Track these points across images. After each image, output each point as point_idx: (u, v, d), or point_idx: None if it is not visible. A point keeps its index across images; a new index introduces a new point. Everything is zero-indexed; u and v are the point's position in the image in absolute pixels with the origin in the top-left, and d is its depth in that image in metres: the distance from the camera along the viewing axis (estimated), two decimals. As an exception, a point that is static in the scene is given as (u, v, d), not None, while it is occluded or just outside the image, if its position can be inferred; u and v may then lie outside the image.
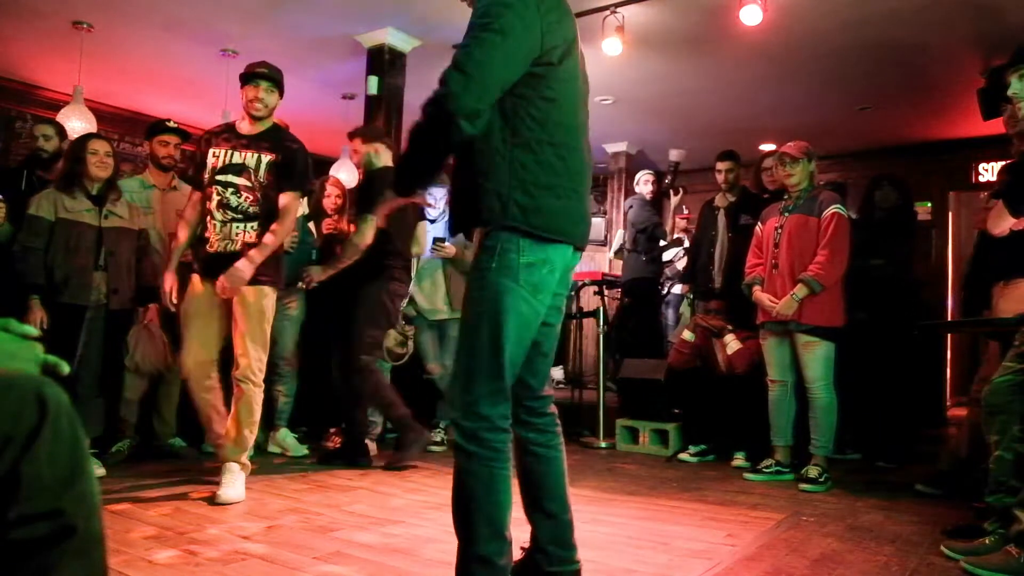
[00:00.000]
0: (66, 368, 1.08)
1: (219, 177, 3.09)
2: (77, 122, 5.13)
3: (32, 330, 1.09)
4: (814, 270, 3.55)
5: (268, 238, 3.08)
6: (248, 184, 3.10)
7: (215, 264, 3.07)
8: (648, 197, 6.19)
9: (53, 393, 0.95)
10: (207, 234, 3.12)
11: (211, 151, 3.13)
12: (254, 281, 3.06)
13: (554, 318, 1.84)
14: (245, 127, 3.19)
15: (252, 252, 3.04)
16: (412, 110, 5.60)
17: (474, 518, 1.62)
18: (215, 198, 3.09)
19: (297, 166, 3.18)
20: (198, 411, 3.20)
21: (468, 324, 1.68)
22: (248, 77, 3.16)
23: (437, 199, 4.54)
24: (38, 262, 3.35)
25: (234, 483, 2.98)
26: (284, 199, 3.15)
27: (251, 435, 3.12)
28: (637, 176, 6.39)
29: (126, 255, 3.60)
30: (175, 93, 6.61)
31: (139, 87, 6.52)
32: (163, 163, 4.04)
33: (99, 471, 3.32)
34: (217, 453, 3.15)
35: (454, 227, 1.81)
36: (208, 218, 3.11)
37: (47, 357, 1.09)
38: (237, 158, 3.11)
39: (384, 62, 5.26)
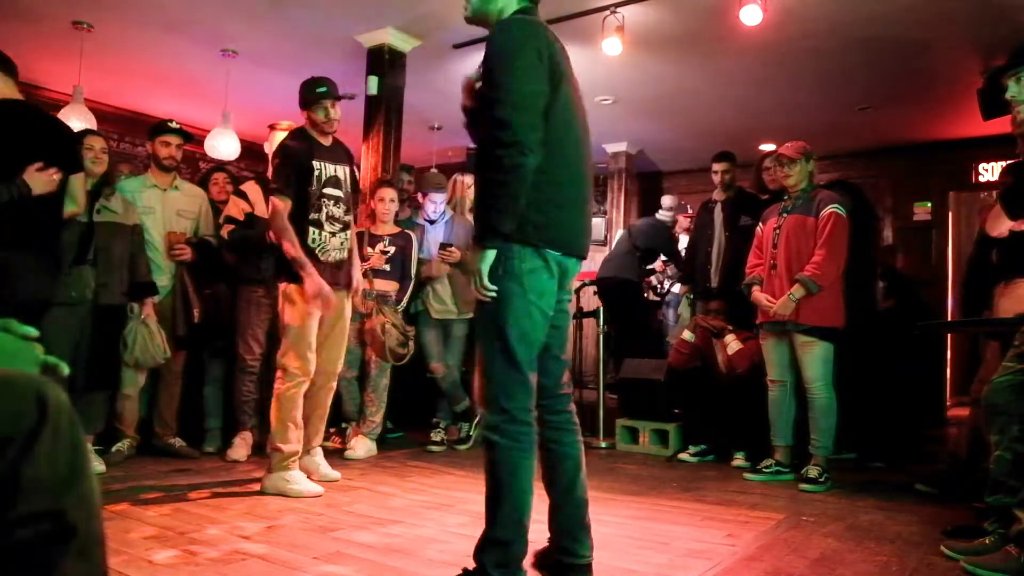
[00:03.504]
0: (66, 369, 1.08)
1: (325, 190, 3.26)
2: (77, 122, 5.12)
3: (32, 331, 1.09)
4: (811, 270, 3.55)
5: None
6: (342, 195, 3.34)
7: (338, 273, 3.33)
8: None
9: (53, 393, 0.95)
10: (315, 243, 3.22)
11: (314, 163, 3.24)
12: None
13: (560, 320, 1.96)
14: (321, 139, 3.33)
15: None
16: (412, 110, 5.65)
17: (500, 503, 1.76)
18: (323, 210, 3.26)
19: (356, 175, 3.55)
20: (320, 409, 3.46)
21: (481, 326, 1.81)
22: (330, 94, 3.34)
23: (437, 203, 4.55)
24: None
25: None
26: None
27: None
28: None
29: (118, 251, 3.59)
30: (175, 93, 6.60)
31: (139, 87, 6.51)
32: (164, 163, 4.05)
33: (99, 467, 3.32)
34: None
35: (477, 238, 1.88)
36: (314, 228, 3.23)
37: (47, 358, 1.09)
38: (331, 171, 3.30)
39: (384, 62, 5.25)
